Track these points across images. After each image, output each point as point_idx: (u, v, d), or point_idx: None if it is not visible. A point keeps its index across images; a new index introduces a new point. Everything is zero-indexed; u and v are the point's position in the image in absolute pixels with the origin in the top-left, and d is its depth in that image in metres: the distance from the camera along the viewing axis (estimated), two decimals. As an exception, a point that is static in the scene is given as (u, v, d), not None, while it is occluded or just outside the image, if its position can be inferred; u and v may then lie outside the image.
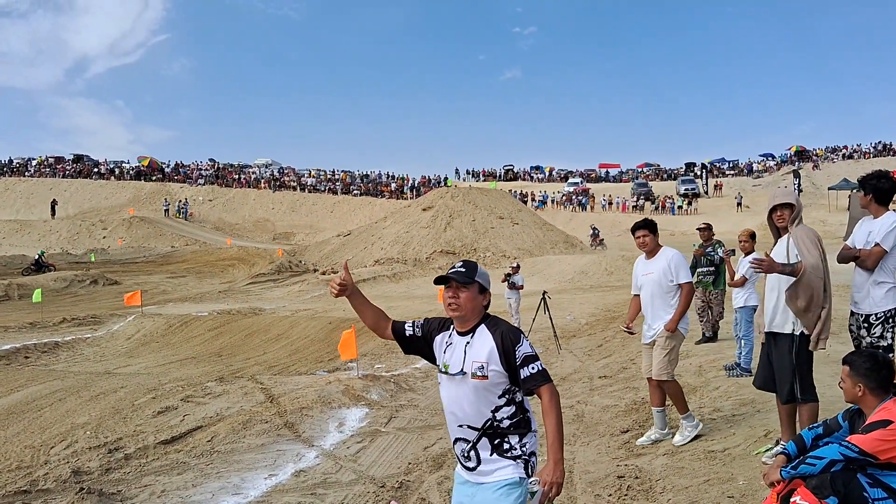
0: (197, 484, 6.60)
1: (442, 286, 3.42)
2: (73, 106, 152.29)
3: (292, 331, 18.01)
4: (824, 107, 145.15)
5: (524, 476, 3.26)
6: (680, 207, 55.40)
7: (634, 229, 6.59)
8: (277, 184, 66.73)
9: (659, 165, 74.68)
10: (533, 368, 3.22)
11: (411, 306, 21.94)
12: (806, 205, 46.50)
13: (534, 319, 14.43)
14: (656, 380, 6.41)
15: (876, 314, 5.13)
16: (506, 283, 16.00)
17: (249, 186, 66.66)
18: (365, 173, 71.90)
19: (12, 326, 19.58)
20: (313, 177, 69.56)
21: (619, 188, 64.63)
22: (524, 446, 3.29)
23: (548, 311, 14.00)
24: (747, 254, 9.00)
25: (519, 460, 3.27)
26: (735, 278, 9.12)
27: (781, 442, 5.25)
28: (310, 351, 16.01)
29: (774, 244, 5.42)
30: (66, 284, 29.22)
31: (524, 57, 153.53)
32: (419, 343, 3.54)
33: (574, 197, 59.92)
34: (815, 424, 4.35)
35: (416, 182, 67.50)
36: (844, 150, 69.35)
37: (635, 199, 58.16)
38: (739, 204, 52.88)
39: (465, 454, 3.35)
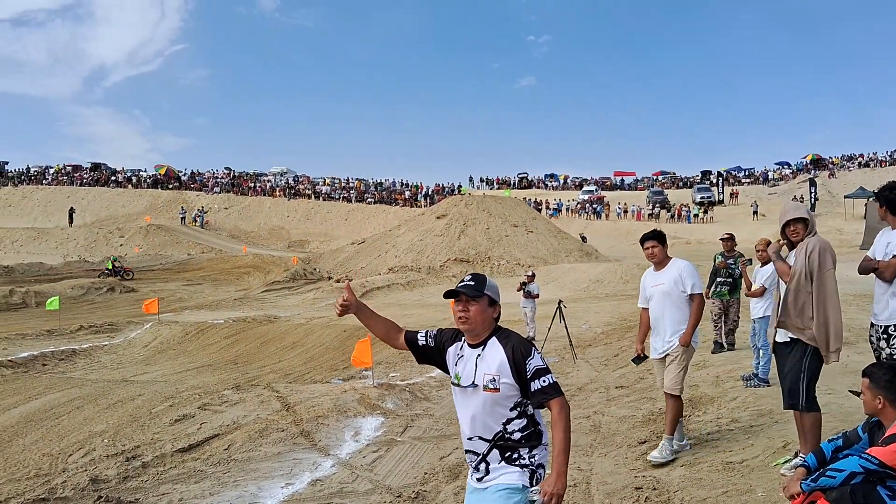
0: (214, 493, 6.63)
1: (452, 299, 3.43)
2: (91, 114, 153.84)
3: (307, 339, 18.06)
4: (840, 115, 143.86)
5: (527, 485, 3.27)
6: (696, 215, 55.08)
7: (643, 240, 6.53)
8: (292, 192, 67.04)
9: (675, 173, 74.31)
10: (544, 381, 3.23)
11: (425, 314, 21.96)
12: (822, 213, 46.34)
13: (549, 328, 14.41)
14: (668, 393, 6.36)
15: (895, 325, 5.09)
16: (521, 291, 15.99)
17: (265, 194, 67.04)
18: (379, 181, 72.08)
19: (30, 334, 19.75)
20: (328, 185, 69.84)
21: (635, 196, 64.41)
22: (533, 457, 3.31)
23: (563, 319, 13.95)
24: (764, 263, 8.93)
25: (526, 469, 3.28)
26: (753, 288, 9.06)
27: (800, 454, 5.22)
28: (325, 359, 16.04)
29: (786, 257, 5.43)
30: (83, 292, 29.47)
31: (538, 65, 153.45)
32: (432, 353, 3.56)
33: (589, 205, 59.76)
34: (834, 436, 4.32)
35: (430, 190, 67.60)
36: (860, 159, 68.66)
37: (651, 207, 57.89)
38: (755, 212, 52.50)
39: (476, 465, 3.37)
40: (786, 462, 5.44)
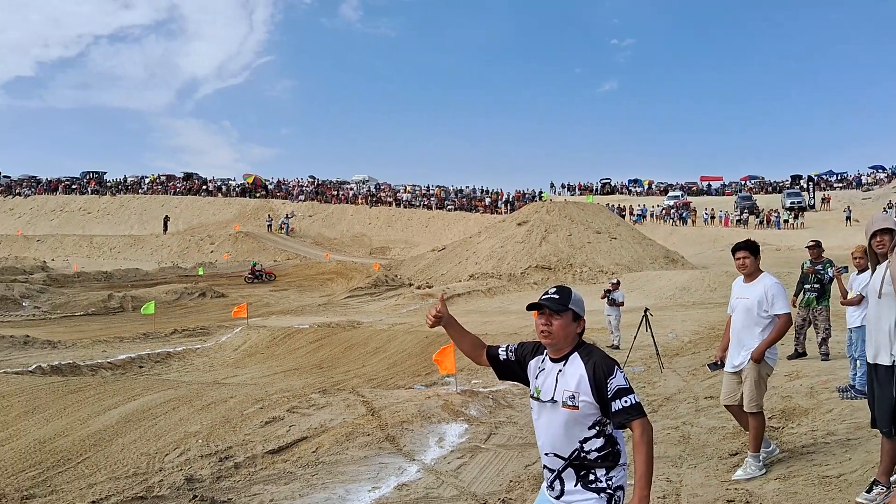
0: (304, 494, 6.76)
1: (535, 311, 3.36)
2: (183, 126, 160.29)
3: (389, 344, 18.26)
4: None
5: None
6: (786, 221, 53.18)
7: (735, 250, 6.36)
8: (374, 199, 68.15)
9: (763, 178, 71.81)
10: (626, 402, 3.11)
11: (506, 321, 21.89)
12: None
13: (635, 337, 14.12)
14: (747, 412, 6.14)
15: None
16: (605, 299, 15.74)
17: (347, 202, 68.43)
18: (459, 188, 72.47)
19: (127, 337, 20.71)
20: (408, 192, 70.69)
21: (722, 201, 62.55)
22: (611, 479, 3.19)
23: (649, 328, 13.66)
24: (861, 271, 8.54)
25: (603, 494, 3.17)
26: (850, 297, 8.68)
27: (877, 480, 4.93)
28: (407, 365, 16.18)
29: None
30: (177, 297, 30.76)
31: (621, 69, 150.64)
32: (513, 367, 3.49)
33: (674, 211, 58.47)
34: None
35: (511, 196, 67.46)
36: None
37: (739, 212, 56.21)
38: (848, 218, 50.29)
39: (550, 482, 3.29)
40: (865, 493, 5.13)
